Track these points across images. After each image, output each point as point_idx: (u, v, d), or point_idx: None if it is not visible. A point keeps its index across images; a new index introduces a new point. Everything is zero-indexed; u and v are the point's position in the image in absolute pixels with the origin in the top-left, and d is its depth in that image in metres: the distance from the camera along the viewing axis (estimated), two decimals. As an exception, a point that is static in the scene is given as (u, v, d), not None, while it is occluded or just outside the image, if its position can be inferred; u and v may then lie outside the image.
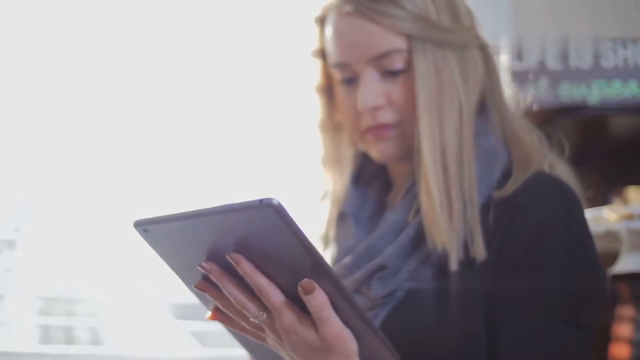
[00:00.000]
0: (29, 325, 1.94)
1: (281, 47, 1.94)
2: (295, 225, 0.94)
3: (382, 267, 1.22)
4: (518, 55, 1.78)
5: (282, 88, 1.93)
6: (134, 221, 1.01)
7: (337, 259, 1.30)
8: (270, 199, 0.91)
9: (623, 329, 1.67)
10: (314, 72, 1.34)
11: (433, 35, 1.24)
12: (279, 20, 1.96)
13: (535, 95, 1.74)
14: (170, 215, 0.99)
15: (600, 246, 1.27)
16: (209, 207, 0.95)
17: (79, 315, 2.00)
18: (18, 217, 1.91)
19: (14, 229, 1.91)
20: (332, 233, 1.34)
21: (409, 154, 1.25)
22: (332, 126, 1.36)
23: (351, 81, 1.28)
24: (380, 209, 1.34)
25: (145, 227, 1.01)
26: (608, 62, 1.79)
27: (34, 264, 1.88)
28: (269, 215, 0.92)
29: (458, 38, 1.26)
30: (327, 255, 1.33)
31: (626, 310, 1.69)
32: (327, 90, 1.34)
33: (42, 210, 1.91)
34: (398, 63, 1.24)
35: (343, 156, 1.37)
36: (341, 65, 1.27)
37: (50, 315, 1.96)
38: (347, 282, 1.24)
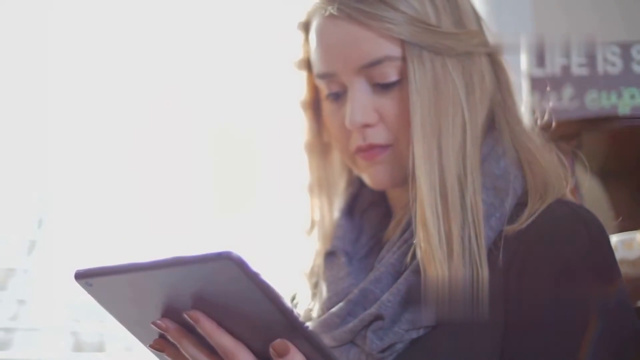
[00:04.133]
0: (60, 332, 1.92)
1: (262, 57, 1.89)
2: (260, 278, 0.89)
3: (378, 317, 1.10)
4: (539, 60, 1.68)
5: (264, 103, 1.88)
6: (74, 272, 0.96)
7: (327, 305, 1.17)
8: (228, 252, 0.87)
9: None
10: (299, 85, 1.21)
11: (431, 41, 1.12)
12: (260, 28, 1.91)
13: (558, 105, 1.64)
14: (116, 267, 0.94)
15: (633, 273, 1.20)
16: (160, 258, 0.91)
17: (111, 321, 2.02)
18: (39, 215, 1.91)
19: (36, 227, 1.91)
20: (320, 272, 1.21)
21: (407, 180, 1.13)
22: (320, 147, 1.23)
23: (338, 95, 1.16)
24: (379, 243, 1.21)
25: (87, 280, 0.96)
26: (640, 67, 1.73)
27: (61, 268, 1.87)
28: (229, 269, 0.88)
29: (462, 44, 1.14)
30: (315, 300, 1.20)
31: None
32: (314, 105, 1.21)
33: (65, 212, 1.91)
34: (391, 73, 1.13)
35: (333, 182, 1.24)
36: (326, 76, 1.15)
37: (81, 322, 1.96)
38: (340, 333, 1.13)
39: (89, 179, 1.89)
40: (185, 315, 0.93)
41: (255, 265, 0.88)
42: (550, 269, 1.07)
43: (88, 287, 0.96)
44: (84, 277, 0.95)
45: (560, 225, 1.10)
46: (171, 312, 0.95)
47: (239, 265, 0.87)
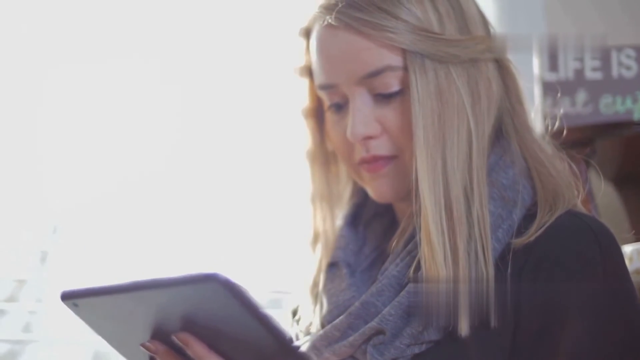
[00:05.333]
0: (72, 344, 1.93)
1: (265, 64, 1.87)
2: (248, 300, 0.88)
3: (379, 332, 1.08)
4: (551, 64, 1.66)
5: (267, 111, 1.87)
6: (60, 293, 0.95)
7: (329, 317, 1.14)
8: (215, 273, 0.86)
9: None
10: (301, 93, 1.19)
11: (434, 49, 1.09)
12: (262, 33, 1.90)
13: (571, 110, 1.63)
14: (102, 288, 0.93)
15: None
16: (147, 279, 0.91)
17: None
18: (51, 226, 1.93)
19: (48, 238, 1.93)
20: (321, 284, 1.18)
21: (412, 192, 1.10)
22: (322, 156, 1.20)
23: (340, 106, 1.14)
24: (382, 255, 1.18)
25: (74, 300, 0.95)
26: (657, 71, 1.72)
27: (73, 278, 1.89)
28: (216, 291, 0.87)
29: (467, 51, 1.11)
30: (316, 312, 1.17)
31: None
32: (317, 114, 1.19)
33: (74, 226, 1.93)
34: (392, 84, 1.10)
35: (336, 192, 1.22)
36: (327, 87, 1.13)
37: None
38: (340, 347, 1.10)
39: (102, 189, 1.89)
40: (174, 338, 0.92)
41: (242, 286, 0.87)
42: (560, 286, 1.05)
43: (74, 308, 0.95)
44: (70, 297, 0.94)
45: (570, 239, 1.07)
46: (160, 334, 0.94)
47: (226, 286, 0.86)
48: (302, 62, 1.17)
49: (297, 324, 1.19)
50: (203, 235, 1.90)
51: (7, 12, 1.85)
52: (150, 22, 1.90)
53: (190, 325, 0.92)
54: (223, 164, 1.92)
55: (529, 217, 1.09)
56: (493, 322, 1.04)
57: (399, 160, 1.11)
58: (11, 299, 1.87)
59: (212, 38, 1.90)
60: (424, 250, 1.06)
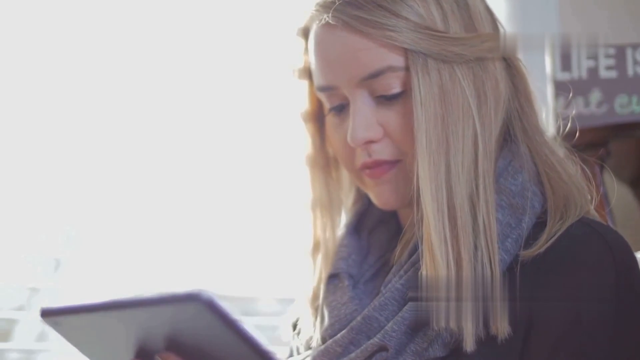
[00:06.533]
0: None
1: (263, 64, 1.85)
2: (232, 319, 0.86)
3: (382, 348, 1.04)
4: (564, 62, 1.62)
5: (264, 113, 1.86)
6: (40, 310, 0.93)
7: (330, 332, 1.10)
8: (198, 292, 0.84)
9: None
10: (300, 96, 1.15)
11: (437, 48, 1.05)
12: (260, 32, 1.88)
13: (585, 111, 1.59)
14: (84, 306, 0.92)
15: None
16: (130, 298, 0.89)
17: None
18: (64, 234, 1.93)
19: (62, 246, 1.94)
20: (322, 296, 1.14)
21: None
22: (323, 161, 1.16)
23: (341, 108, 1.09)
24: (386, 265, 1.14)
25: (55, 319, 0.93)
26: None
27: (87, 287, 1.90)
28: (199, 310, 0.85)
29: (473, 50, 1.07)
30: (317, 325, 1.13)
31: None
32: (317, 117, 1.15)
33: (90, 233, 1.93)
34: (394, 85, 1.06)
35: (337, 199, 1.17)
36: (326, 89, 1.09)
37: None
38: None
39: (116, 197, 1.89)
40: (157, 358, 0.90)
41: (226, 305, 0.85)
42: (572, 302, 1.01)
43: (56, 327, 0.93)
44: (50, 315, 0.92)
45: (582, 251, 1.03)
46: (144, 353, 0.93)
47: (209, 306, 0.84)
48: (300, 64, 1.13)
49: (298, 336, 1.15)
50: (206, 244, 1.89)
51: (7, 12, 1.85)
52: (150, 23, 1.89)
53: (174, 344, 0.90)
54: (224, 170, 1.92)
55: (539, 225, 1.05)
56: (500, 338, 1.00)
57: (402, 165, 1.07)
58: (24, 307, 1.87)
59: (209, 41, 1.91)
60: (425, 261, 1.02)
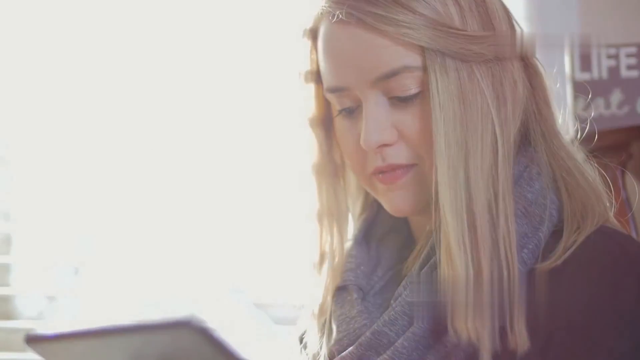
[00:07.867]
0: None
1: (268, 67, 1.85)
2: (225, 346, 0.84)
3: None
4: (584, 62, 1.62)
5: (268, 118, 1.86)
6: (25, 337, 0.91)
7: (338, 347, 1.07)
8: (189, 319, 0.83)
9: None
10: (307, 100, 1.11)
11: (456, 47, 1.02)
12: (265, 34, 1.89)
13: (606, 112, 1.59)
14: (71, 333, 0.90)
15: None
16: (120, 324, 0.88)
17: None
18: (82, 243, 1.98)
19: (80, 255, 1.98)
20: (329, 310, 1.11)
21: (431, 205, 1.03)
22: (331, 169, 1.13)
23: (352, 110, 1.06)
24: (397, 275, 1.11)
25: (41, 346, 0.91)
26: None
27: (105, 294, 1.93)
28: (191, 336, 0.84)
29: (491, 48, 1.04)
30: (325, 340, 1.10)
31: None
32: (324, 122, 1.11)
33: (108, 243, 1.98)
34: (410, 85, 1.03)
35: (344, 208, 1.14)
36: (337, 90, 1.06)
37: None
38: None
39: (134, 206, 1.91)
40: None
41: (218, 331, 0.84)
42: (589, 311, 0.98)
43: (42, 353, 0.91)
44: (36, 341, 0.90)
45: (602, 265, 1.00)
46: None
47: (201, 332, 0.83)
48: (307, 66, 1.10)
49: (304, 350, 1.12)
50: (223, 251, 1.90)
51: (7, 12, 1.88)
52: (150, 25, 1.91)
53: None
54: (241, 175, 1.93)
55: (557, 234, 1.03)
56: (519, 352, 0.97)
57: (418, 169, 1.04)
58: (42, 315, 1.90)
59: (212, 44, 1.92)
60: (444, 270, 0.99)
